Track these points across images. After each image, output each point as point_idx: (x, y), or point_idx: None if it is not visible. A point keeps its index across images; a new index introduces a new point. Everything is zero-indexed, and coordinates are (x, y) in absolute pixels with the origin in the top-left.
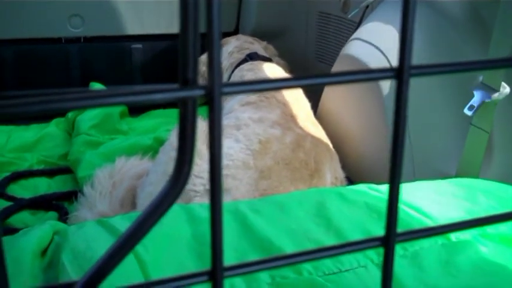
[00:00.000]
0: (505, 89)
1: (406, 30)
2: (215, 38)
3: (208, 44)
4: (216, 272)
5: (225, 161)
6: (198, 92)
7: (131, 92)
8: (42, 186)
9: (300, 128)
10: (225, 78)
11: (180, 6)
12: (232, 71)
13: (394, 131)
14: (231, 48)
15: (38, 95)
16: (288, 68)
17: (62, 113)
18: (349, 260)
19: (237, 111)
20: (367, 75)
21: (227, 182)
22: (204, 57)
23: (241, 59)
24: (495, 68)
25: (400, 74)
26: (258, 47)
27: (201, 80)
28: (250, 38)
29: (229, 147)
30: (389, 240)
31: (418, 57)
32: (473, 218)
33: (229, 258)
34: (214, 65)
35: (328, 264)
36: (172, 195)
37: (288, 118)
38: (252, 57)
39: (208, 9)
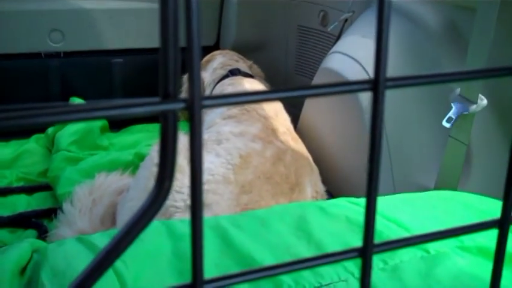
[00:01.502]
0: (482, 100)
1: (381, 43)
2: (194, 51)
3: (188, 57)
4: (197, 285)
5: (206, 176)
6: (178, 105)
7: (112, 105)
8: (21, 203)
9: (281, 141)
10: (207, 94)
11: (160, 20)
12: (214, 87)
13: (370, 142)
14: (216, 64)
15: (16, 109)
16: (269, 87)
17: (41, 129)
18: (329, 274)
19: (218, 125)
20: (343, 87)
21: (208, 197)
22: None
23: (223, 75)
24: (470, 79)
25: (376, 86)
26: (243, 65)
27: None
28: (237, 55)
29: (210, 161)
30: (366, 250)
31: (395, 69)
32: (448, 228)
33: (210, 274)
34: (194, 78)
35: (309, 278)
36: (153, 210)
37: (269, 132)
38: (234, 73)
39: (188, 24)
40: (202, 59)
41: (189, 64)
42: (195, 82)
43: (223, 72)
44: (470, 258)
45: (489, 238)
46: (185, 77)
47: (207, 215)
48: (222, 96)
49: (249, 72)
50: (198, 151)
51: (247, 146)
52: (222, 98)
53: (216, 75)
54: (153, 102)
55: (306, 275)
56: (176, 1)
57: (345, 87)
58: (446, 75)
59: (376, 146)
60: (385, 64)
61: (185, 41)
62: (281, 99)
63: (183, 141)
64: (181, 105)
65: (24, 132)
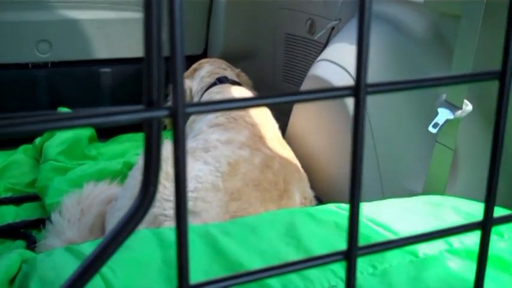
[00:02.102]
0: (467, 106)
1: (362, 49)
2: (178, 60)
3: (171, 65)
4: None
5: (195, 184)
6: (162, 113)
7: (96, 113)
8: (9, 214)
9: (269, 148)
10: (195, 102)
11: (144, 29)
12: (202, 95)
13: (352, 145)
14: (203, 72)
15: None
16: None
17: (29, 140)
18: (319, 279)
19: (205, 133)
20: (326, 93)
21: (197, 205)
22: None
23: (210, 83)
24: (450, 84)
25: (357, 91)
26: (231, 73)
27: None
28: (225, 63)
29: (199, 169)
30: (351, 253)
31: (381, 76)
32: (432, 230)
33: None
34: (177, 85)
35: (298, 283)
36: (138, 216)
37: (256, 139)
38: (222, 80)
39: (171, 32)
40: (189, 68)
41: (171, 72)
42: (179, 90)
43: (211, 80)
44: (459, 261)
45: (477, 241)
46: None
47: (196, 222)
48: (205, 103)
49: (237, 80)
50: (182, 158)
51: (235, 154)
52: (205, 105)
53: (203, 83)
54: (137, 110)
55: (295, 280)
56: (160, 10)
57: (327, 93)
58: (426, 80)
59: (358, 149)
60: (365, 70)
61: (169, 50)
62: (264, 106)
63: (169, 149)
64: (165, 112)
65: (11, 143)
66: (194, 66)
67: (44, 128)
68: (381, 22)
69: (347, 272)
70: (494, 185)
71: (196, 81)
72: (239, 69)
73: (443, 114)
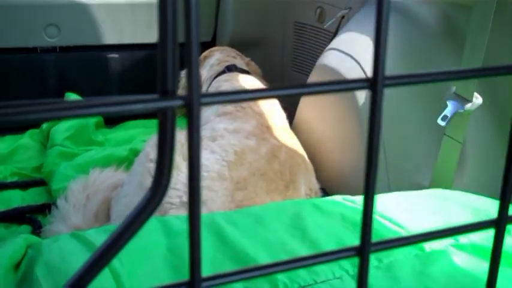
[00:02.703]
0: (477, 99)
1: (380, 41)
2: (193, 48)
3: (187, 54)
4: (195, 283)
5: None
6: (177, 103)
7: (110, 102)
8: (15, 199)
9: (275, 138)
10: (204, 90)
11: (159, 16)
12: (210, 83)
13: (368, 141)
14: (213, 60)
15: (12, 106)
16: (266, 84)
17: (36, 124)
18: (324, 271)
19: (212, 121)
20: (341, 85)
21: (203, 194)
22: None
23: (219, 71)
24: (467, 78)
25: (374, 84)
26: (240, 61)
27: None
28: (234, 52)
29: (205, 158)
30: (364, 249)
31: (392, 67)
32: (445, 227)
33: (205, 271)
34: (192, 75)
35: (303, 276)
36: (151, 208)
37: (264, 129)
38: (230, 69)
39: (187, 20)
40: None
41: (187, 61)
42: (194, 79)
43: (220, 68)
44: (465, 256)
45: (484, 237)
46: (183, 73)
47: (202, 211)
48: (220, 93)
49: (246, 68)
50: (197, 148)
51: (242, 143)
52: (220, 96)
53: (212, 71)
54: (152, 99)
55: (301, 272)
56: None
57: (343, 85)
58: (443, 73)
59: (374, 144)
60: (383, 62)
61: (184, 37)
62: (279, 97)
63: (178, 137)
64: (180, 102)
65: (19, 128)
66: (205, 54)
67: (57, 117)
68: (392, 13)
69: (359, 268)
70: (509, 182)
71: (206, 69)
72: (249, 58)
73: (453, 107)
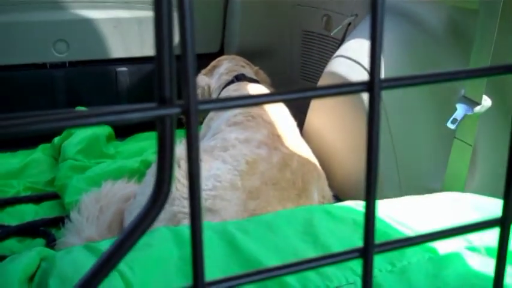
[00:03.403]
0: (486, 101)
1: (375, 45)
2: (189, 56)
3: (183, 63)
4: (198, 287)
5: (213, 182)
6: (174, 110)
7: (109, 111)
8: (29, 212)
9: (287, 147)
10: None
11: (155, 27)
12: (220, 92)
13: (368, 142)
14: (222, 69)
15: (17, 117)
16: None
17: (47, 139)
18: (337, 277)
19: (224, 131)
20: (340, 89)
21: (215, 203)
22: (199, 78)
23: (228, 81)
24: (466, 78)
25: (371, 87)
26: (249, 70)
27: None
28: (243, 61)
29: (217, 168)
30: (367, 250)
31: (398, 71)
32: (450, 227)
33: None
34: (189, 83)
35: (316, 281)
36: (153, 214)
37: (275, 138)
38: (239, 78)
39: (182, 29)
40: (205, 67)
41: (183, 69)
42: (191, 87)
43: (229, 78)
44: (479, 258)
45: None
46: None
47: (215, 220)
48: (218, 100)
49: (255, 77)
50: (196, 155)
51: (253, 152)
52: (218, 102)
53: (221, 81)
54: (150, 108)
55: (314, 278)
56: (170, 8)
57: (341, 88)
58: (442, 74)
59: (373, 144)
60: (379, 65)
61: (180, 47)
62: (278, 102)
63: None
64: (177, 109)
65: (30, 142)
66: (213, 63)
67: (59, 126)
68: (397, 17)
69: (363, 269)
70: None
71: (214, 78)
72: (258, 67)
73: (462, 110)
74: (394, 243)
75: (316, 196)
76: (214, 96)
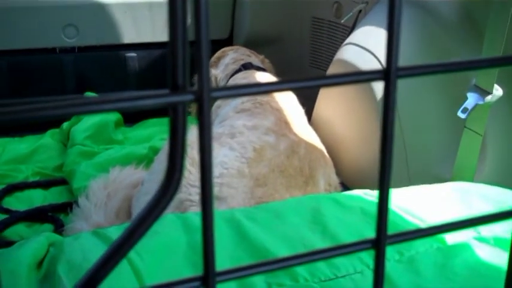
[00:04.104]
0: (497, 91)
1: (393, 32)
2: (203, 43)
3: (197, 49)
4: (209, 277)
5: (220, 170)
6: (187, 97)
7: (121, 98)
8: (37, 198)
9: (295, 134)
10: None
11: (169, 13)
12: (227, 82)
13: (382, 131)
14: (228, 60)
15: (28, 103)
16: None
17: (56, 124)
18: (345, 266)
19: (231, 118)
20: (355, 77)
21: (222, 191)
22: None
23: (235, 70)
24: (480, 68)
25: (388, 75)
26: (255, 59)
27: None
28: (248, 50)
29: (224, 155)
30: (380, 242)
31: (410, 60)
32: (463, 218)
33: (225, 266)
34: (202, 70)
35: (324, 270)
36: (164, 202)
37: (283, 125)
38: (247, 67)
39: (197, 16)
40: (213, 55)
41: (197, 56)
42: (204, 74)
43: (236, 66)
44: (488, 249)
45: (507, 229)
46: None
47: (221, 208)
48: (230, 87)
49: (262, 66)
50: (208, 142)
51: (261, 139)
52: (230, 90)
53: (228, 70)
54: (163, 94)
55: (322, 267)
56: None
57: (356, 76)
58: (457, 64)
59: (388, 134)
60: (396, 53)
61: (194, 34)
62: (291, 90)
63: (195, 134)
64: (190, 97)
65: (39, 127)
66: (217, 54)
67: (72, 113)
68: (410, 5)
69: (375, 260)
70: None
71: (220, 69)
72: (263, 56)
73: (473, 99)
74: (407, 235)
75: (322, 183)
76: (221, 85)
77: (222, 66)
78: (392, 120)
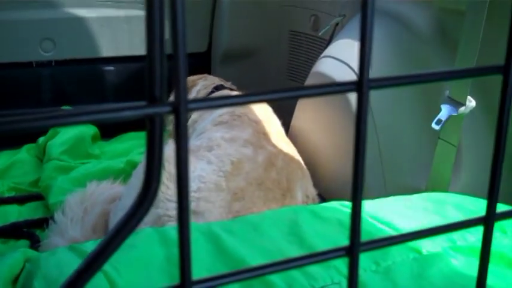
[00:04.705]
0: (470, 102)
1: (365, 44)
2: (180, 55)
3: (174, 61)
4: (185, 286)
5: (198, 184)
6: (164, 109)
7: (99, 110)
8: (12, 214)
9: (272, 145)
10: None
11: (146, 26)
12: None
13: (355, 142)
14: (199, 87)
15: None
16: None
17: (32, 139)
18: (322, 277)
19: (209, 131)
20: (329, 88)
21: (200, 205)
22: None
23: (208, 93)
24: (454, 78)
25: (360, 86)
26: (226, 83)
27: None
28: (217, 78)
29: (201, 169)
30: (353, 249)
31: (384, 71)
32: (434, 226)
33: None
34: (180, 82)
35: (301, 281)
36: (140, 214)
37: (260, 136)
38: (219, 88)
39: (173, 28)
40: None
41: (174, 68)
42: (181, 86)
43: (208, 90)
44: (463, 258)
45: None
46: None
47: (199, 222)
48: (207, 99)
49: (233, 87)
50: (185, 154)
51: (239, 152)
52: (207, 101)
53: (201, 94)
54: (140, 106)
55: (299, 277)
56: (162, 7)
57: (330, 88)
58: (429, 75)
59: (360, 145)
60: (368, 65)
61: (171, 46)
62: (267, 101)
63: (172, 149)
64: (167, 108)
65: (15, 142)
66: (188, 84)
67: (49, 125)
68: (385, 18)
69: (349, 268)
70: (497, 180)
71: (193, 95)
72: (230, 82)
73: (446, 111)
74: (380, 242)
75: (300, 195)
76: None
77: (194, 93)
78: (365, 131)
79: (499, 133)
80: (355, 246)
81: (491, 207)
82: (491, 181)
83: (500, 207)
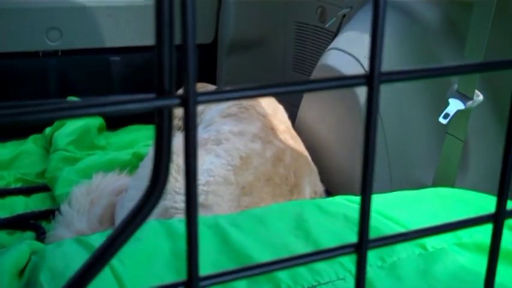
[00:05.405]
0: (478, 96)
1: (376, 37)
2: (190, 47)
3: (183, 53)
4: (192, 282)
5: (206, 177)
6: (173, 102)
7: (107, 102)
8: (19, 205)
9: (280, 140)
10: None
11: (155, 16)
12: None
13: (365, 136)
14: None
15: (11, 107)
16: None
17: (39, 130)
18: (327, 272)
19: (217, 123)
20: (338, 82)
21: (208, 199)
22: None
23: None
24: (464, 73)
25: (371, 80)
26: None
27: None
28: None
29: (210, 162)
30: (361, 246)
31: (393, 65)
32: (443, 223)
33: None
34: (189, 74)
35: (306, 277)
36: (148, 207)
37: (268, 131)
38: None
39: (183, 19)
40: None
41: (183, 60)
42: (190, 78)
43: None
44: (468, 254)
45: (487, 234)
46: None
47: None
48: (216, 92)
49: None
50: (193, 147)
51: (247, 147)
52: (217, 94)
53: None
54: (149, 99)
55: (304, 273)
56: None
57: (340, 81)
58: (440, 69)
59: (370, 139)
60: (380, 58)
61: (181, 38)
62: (276, 95)
63: (181, 141)
64: (177, 101)
65: (21, 133)
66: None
67: (55, 117)
68: (393, 10)
69: (357, 265)
70: (507, 176)
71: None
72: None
73: (454, 105)
74: (388, 239)
75: (308, 191)
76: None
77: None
78: (375, 125)
79: (510, 128)
80: (363, 244)
81: (501, 204)
82: (502, 178)
83: (510, 205)
